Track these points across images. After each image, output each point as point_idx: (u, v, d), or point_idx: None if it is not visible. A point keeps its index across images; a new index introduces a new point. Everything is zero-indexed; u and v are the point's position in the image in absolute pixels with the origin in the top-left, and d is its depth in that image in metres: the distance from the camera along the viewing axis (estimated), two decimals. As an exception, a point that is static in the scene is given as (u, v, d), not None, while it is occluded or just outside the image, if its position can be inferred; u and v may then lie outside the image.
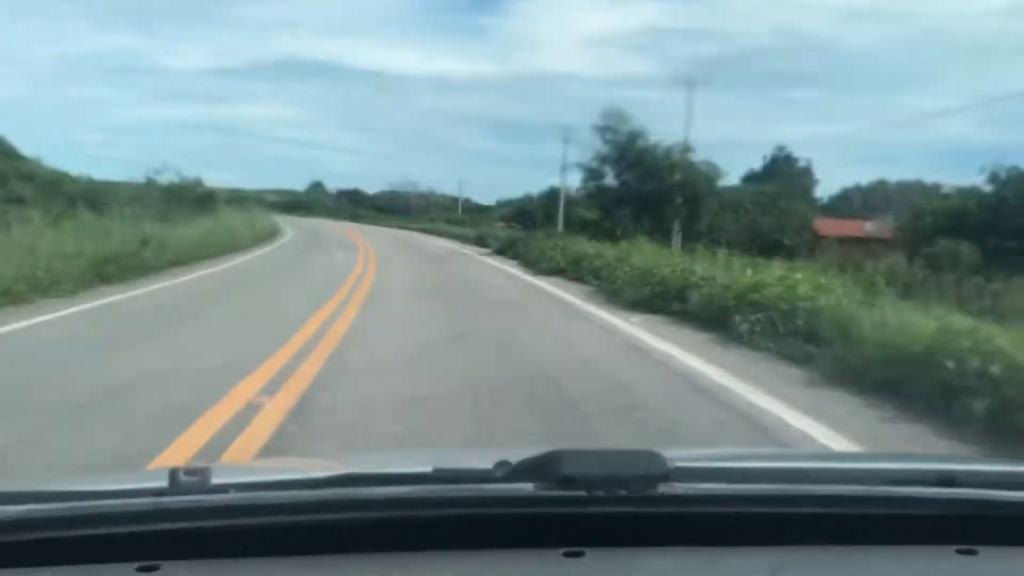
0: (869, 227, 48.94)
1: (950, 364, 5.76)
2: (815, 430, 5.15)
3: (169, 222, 22.98)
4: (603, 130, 28.25)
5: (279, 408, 5.09)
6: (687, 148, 28.50)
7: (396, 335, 8.69)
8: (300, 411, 5.07)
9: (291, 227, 42.51)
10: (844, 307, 8.42)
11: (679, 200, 27.55)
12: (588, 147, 28.12)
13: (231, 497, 1.13)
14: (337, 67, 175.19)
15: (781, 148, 65.77)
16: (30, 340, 7.80)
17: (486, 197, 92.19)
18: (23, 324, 8.49)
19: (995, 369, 5.49)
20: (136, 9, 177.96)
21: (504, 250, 28.44)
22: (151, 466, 3.78)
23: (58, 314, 9.33)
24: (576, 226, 34.95)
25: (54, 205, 21.98)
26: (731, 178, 34.08)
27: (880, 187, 69.69)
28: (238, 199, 46.00)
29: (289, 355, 6.91)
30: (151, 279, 14.13)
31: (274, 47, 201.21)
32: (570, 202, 41.85)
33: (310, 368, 6.42)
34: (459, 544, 1.12)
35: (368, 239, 36.61)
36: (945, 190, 50.12)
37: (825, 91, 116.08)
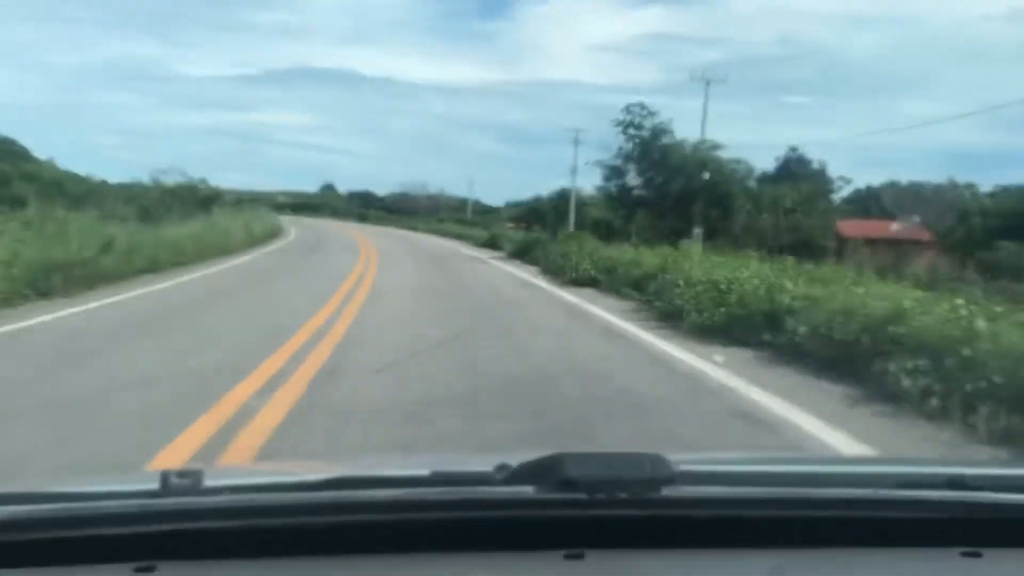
0: (896, 228, 46.26)
1: None
2: None
3: (157, 223, 21.47)
4: (626, 126, 25.37)
5: None
6: (715, 145, 25.75)
7: (385, 408, 5.83)
8: None
9: (295, 228, 40.54)
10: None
11: (707, 200, 24.68)
12: (606, 146, 25.45)
13: (225, 499, 1.11)
14: (350, 74, 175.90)
15: (794, 149, 63.02)
16: None
17: (494, 199, 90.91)
18: None
19: None
20: (155, 17, 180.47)
21: (520, 254, 25.59)
22: None
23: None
24: (588, 228, 34.09)
25: (54, 206, 20.85)
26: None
27: (891, 188, 67.09)
28: (246, 200, 46.10)
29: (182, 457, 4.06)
30: (102, 291, 11.78)
31: (289, 55, 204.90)
32: (580, 203, 41.21)
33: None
34: (458, 547, 1.09)
35: (373, 240, 33.96)
36: (984, 189, 47.44)
37: (826, 96, 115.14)
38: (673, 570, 1.11)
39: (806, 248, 29.32)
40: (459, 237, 42.42)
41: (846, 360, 7.12)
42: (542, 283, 16.79)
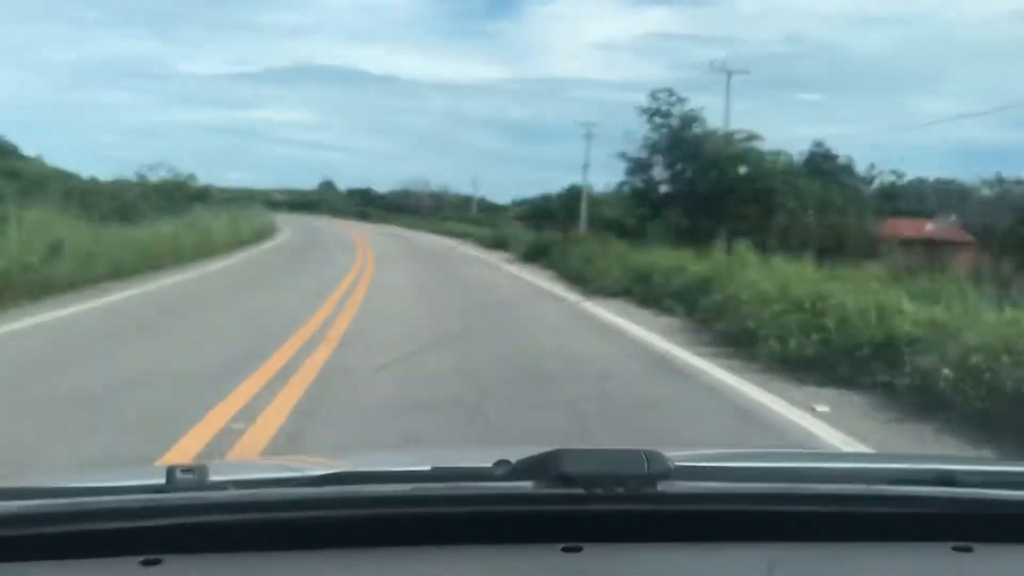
0: (932, 228, 44.25)
1: None
2: None
3: (137, 222, 19.85)
4: (651, 113, 22.90)
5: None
6: (750, 135, 23.27)
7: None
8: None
9: (289, 227, 38.44)
10: None
11: (744, 197, 22.14)
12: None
13: (230, 494, 1.13)
14: (352, 72, 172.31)
15: (819, 144, 60.85)
16: None
17: (499, 196, 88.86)
18: None
19: None
20: (157, 16, 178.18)
21: (532, 256, 23.39)
22: None
23: None
24: (600, 227, 32.12)
25: (34, 203, 20.23)
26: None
27: (916, 185, 65.17)
28: (241, 198, 44.73)
29: None
30: (46, 304, 9.85)
31: (290, 53, 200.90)
32: (592, 201, 39.38)
33: None
34: (458, 541, 1.10)
35: (369, 240, 31.82)
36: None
37: (832, 94, 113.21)
38: (669, 564, 1.11)
39: (838, 249, 27.03)
40: (464, 236, 40.15)
41: (1014, 420, 5.03)
42: (565, 294, 14.47)
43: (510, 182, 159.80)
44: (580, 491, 1.09)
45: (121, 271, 14.43)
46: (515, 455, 1.15)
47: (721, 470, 1.37)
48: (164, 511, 1.06)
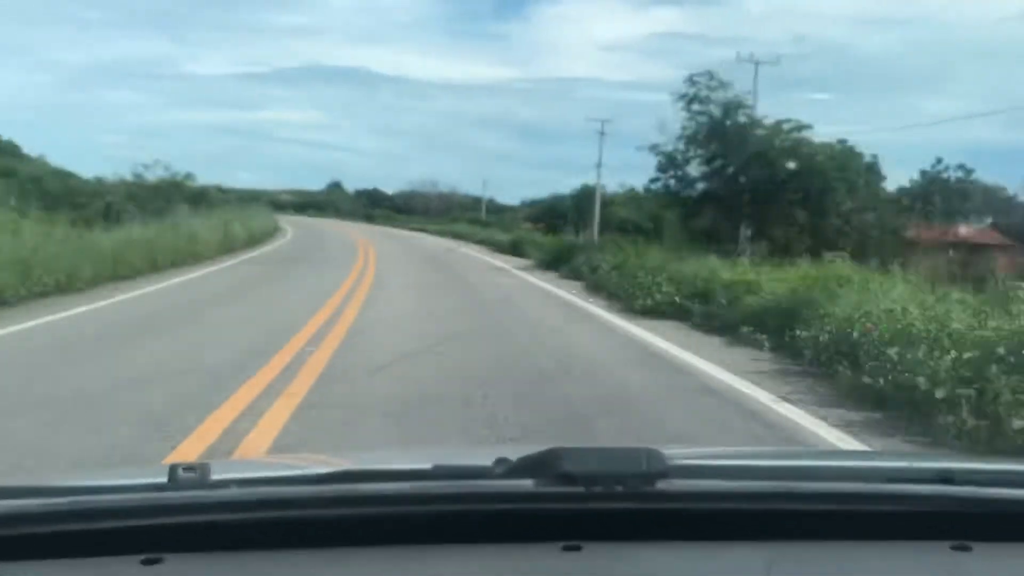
0: (966, 231, 41.84)
1: None
2: None
3: (119, 224, 19.02)
4: (689, 100, 20.11)
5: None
6: (800, 125, 20.47)
7: None
8: None
9: (292, 229, 36.72)
10: None
11: (795, 197, 19.43)
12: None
13: (232, 493, 1.11)
14: (360, 73, 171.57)
15: (842, 141, 58.38)
16: None
17: (507, 197, 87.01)
18: None
19: None
20: (165, 17, 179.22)
21: (554, 263, 20.86)
22: None
23: None
24: (614, 229, 30.43)
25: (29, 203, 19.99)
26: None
27: (939, 185, 62.94)
28: (244, 199, 43.86)
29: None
30: None
31: (298, 54, 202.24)
32: (605, 202, 38.39)
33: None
34: (459, 539, 1.09)
35: (373, 243, 29.61)
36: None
37: (839, 94, 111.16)
38: (668, 562, 1.10)
39: (861, 253, 24.35)
40: (474, 240, 37.68)
41: None
42: (605, 314, 11.69)
43: (518, 182, 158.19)
44: (580, 489, 1.08)
45: (74, 282, 12.26)
46: (515, 454, 1.15)
47: (720, 469, 1.35)
48: (166, 510, 1.06)
